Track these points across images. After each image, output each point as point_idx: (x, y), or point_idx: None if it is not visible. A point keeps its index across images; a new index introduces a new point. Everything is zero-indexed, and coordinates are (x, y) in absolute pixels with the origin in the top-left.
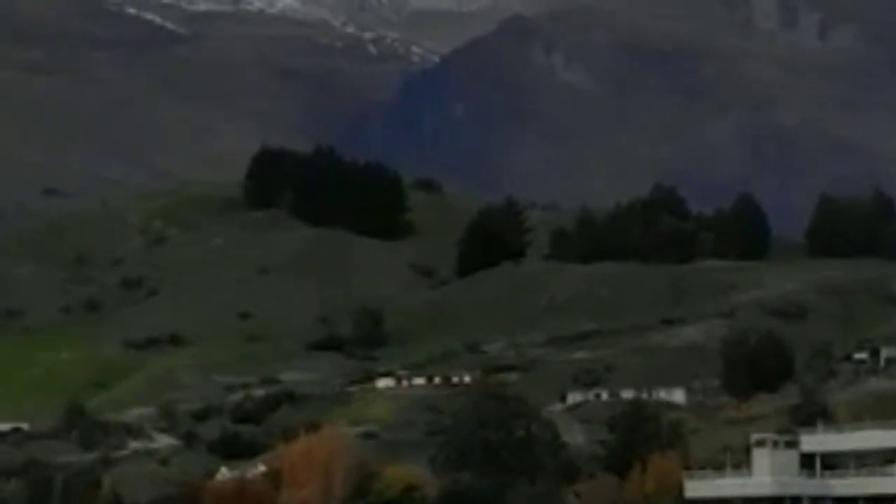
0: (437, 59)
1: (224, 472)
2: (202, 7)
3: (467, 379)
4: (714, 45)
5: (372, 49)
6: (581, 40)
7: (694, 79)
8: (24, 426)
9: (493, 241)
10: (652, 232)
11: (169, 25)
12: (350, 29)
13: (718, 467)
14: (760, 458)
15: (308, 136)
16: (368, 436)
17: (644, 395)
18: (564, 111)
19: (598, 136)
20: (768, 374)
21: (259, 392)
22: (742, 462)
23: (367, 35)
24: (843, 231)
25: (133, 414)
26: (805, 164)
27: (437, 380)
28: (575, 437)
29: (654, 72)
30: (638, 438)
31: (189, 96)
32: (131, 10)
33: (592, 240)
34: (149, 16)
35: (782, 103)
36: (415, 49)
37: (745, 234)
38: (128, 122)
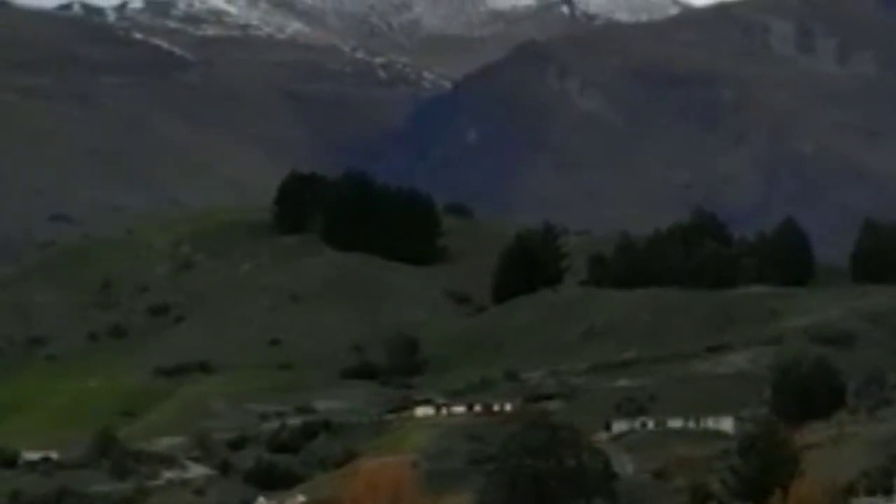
0: (449, 84)
1: (262, 503)
2: (210, 32)
3: (508, 407)
4: (730, 71)
5: (383, 74)
6: (596, 66)
7: (710, 104)
8: (54, 455)
9: (530, 266)
10: (693, 257)
11: (177, 51)
12: (360, 54)
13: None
14: None
15: (318, 162)
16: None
17: (692, 424)
18: (579, 137)
19: (613, 163)
20: (819, 402)
21: (295, 421)
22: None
23: (378, 60)
24: (887, 256)
25: (164, 443)
26: (823, 190)
27: (477, 408)
28: (624, 466)
29: (669, 97)
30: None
31: (197, 122)
32: (139, 36)
33: (631, 265)
34: (156, 41)
35: (799, 129)
36: (426, 75)
37: (789, 259)
38: (136, 148)
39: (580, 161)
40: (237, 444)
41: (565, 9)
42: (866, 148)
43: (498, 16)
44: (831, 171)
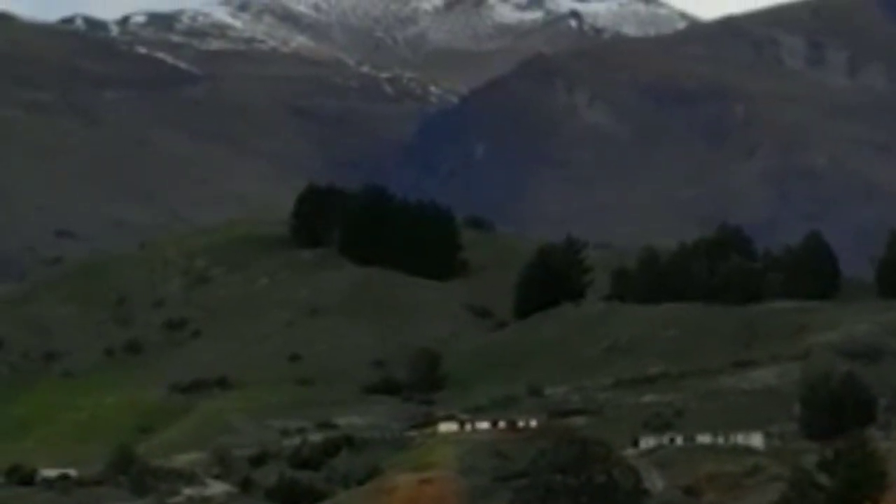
0: (455, 99)
1: None
2: (214, 46)
3: (533, 423)
4: (740, 85)
5: (388, 89)
6: (604, 80)
7: (719, 119)
8: (72, 472)
9: (552, 281)
10: (718, 272)
11: (181, 65)
12: (365, 69)
13: None
14: None
15: (323, 177)
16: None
17: (721, 440)
18: (587, 152)
19: (622, 178)
20: (849, 418)
21: (316, 437)
22: None
23: (384, 75)
24: None
25: (183, 459)
26: (835, 204)
27: (501, 424)
28: (655, 483)
29: (679, 112)
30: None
31: (201, 136)
32: (142, 50)
33: (656, 279)
34: (160, 55)
35: (811, 144)
36: (433, 89)
37: (815, 273)
38: (140, 163)
39: (588, 175)
40: (258, 461)
41: (573, 22)
42: (879, 162)
43: (505, 30)
44: (843, 185)
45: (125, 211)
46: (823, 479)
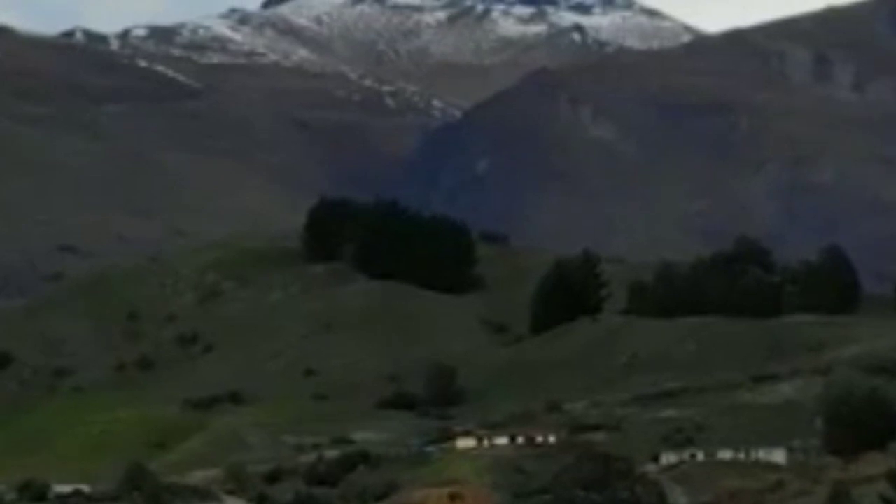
0: (458, 112)
1: None
2: (215, 59)
3: (552, 439)
4: (746, 99)
5: (391, 102)
6: (608, 93)
7: (726, 133)
8: (85, 488)
9: (569, 295)
10: (737, 285)
11: (181, 78)
12: (368, 82)
13: None
14: None
15: (325, 190)
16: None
17: (742, 456)
18: (593, 167)
19: (627, 192)
20: (873, 433)
21: (332, 453)
22: None
23: (386, 88)
24: None
25: (198, 476)
26: (842, 219)
27: (520, 440)
28: (678, 499)
29: (684, 126)
30: None
31: (203, 150)
32: (142, 63)
33: (673, 294)
34: (160, 68)
35: (818, 158)
36: (435, 103)
37: (835, 287)
38: (141, 177)
39: (595, 190)
40: (273, 477)
41: (576, 36)
42: (886, 176)
43: (507, 43)
44: (851, 199)
45: (126, 225)
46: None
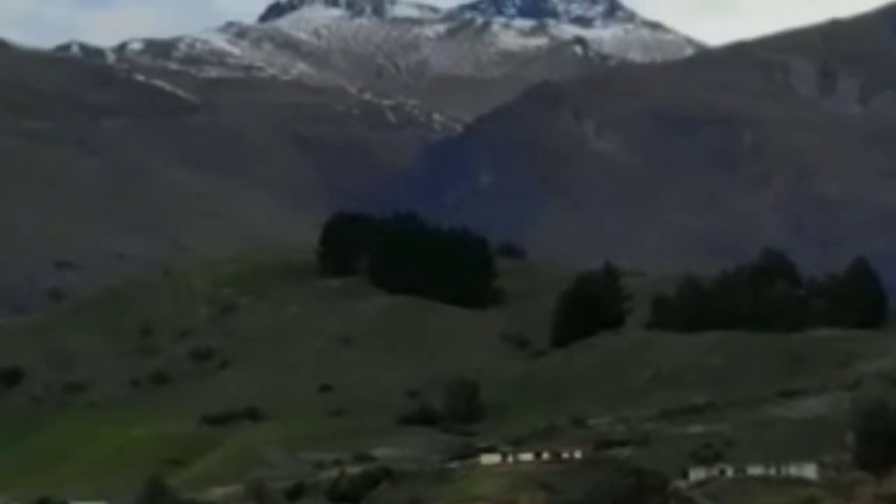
0: (459, 126)
1: None
2: (213, 74)
3: (578, 454)
4: (750, 113)
5: (391, 116)
6: (611, 107)
7: (730, 147)
8: None
9: (591, 309)
10: (762, 299)
11: (180, 93)
12: (367, 96)
13: None
14: None
15: (325, 205)
16: None
17: (773, 471)
18: (596, 181)
19: (631, 206)
20: None
21: (354, 469)
22: None
23: (386, 102)
24: None
25: (217, 493)
26: (848, 233)
27: (545, 455)
28: None
29: (688, 139)
30: None
31: (202, 165)
32: (140, 78)
33: (697, 307)
34: (159, 83)
35: (823, 172)
36: (436, 117)
37: (861, 300)
38: (139, 192)
39: (598, 204)
40: (295, 494)
41: (577, 49)
42: (892, 189)
43: (508, 56)
44: (856, 213)
45: (125, 241)
46: None
